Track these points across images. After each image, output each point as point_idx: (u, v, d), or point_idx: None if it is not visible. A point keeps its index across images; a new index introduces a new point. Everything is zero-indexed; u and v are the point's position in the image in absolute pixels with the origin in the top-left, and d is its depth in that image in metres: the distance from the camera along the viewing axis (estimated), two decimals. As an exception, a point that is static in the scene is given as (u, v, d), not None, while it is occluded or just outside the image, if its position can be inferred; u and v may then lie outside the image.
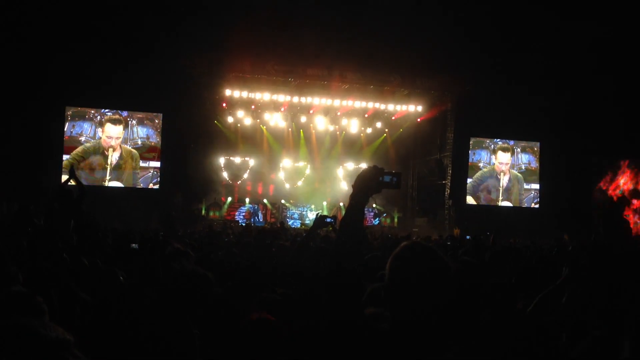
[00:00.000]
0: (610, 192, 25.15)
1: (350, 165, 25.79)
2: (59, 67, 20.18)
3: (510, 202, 26.52)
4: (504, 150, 26.68)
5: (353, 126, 25.19)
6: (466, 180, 26.04)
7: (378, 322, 2.03)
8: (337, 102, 23.60)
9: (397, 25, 21.54)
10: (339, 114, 24.65)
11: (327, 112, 24.43)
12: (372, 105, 24.10)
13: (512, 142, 26.84)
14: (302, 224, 24.12)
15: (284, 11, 20.68)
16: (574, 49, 21.87)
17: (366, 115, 25.13)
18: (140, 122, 23.62)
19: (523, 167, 26.87)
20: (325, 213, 23.18)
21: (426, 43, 21.33)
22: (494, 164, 26.47)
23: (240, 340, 2.78)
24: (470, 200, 26.10)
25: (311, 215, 24.16)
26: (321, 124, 24.91)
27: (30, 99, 20.12)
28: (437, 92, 24.15)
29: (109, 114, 23.26)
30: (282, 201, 25.01)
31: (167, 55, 20.35)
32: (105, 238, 7.31)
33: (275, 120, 24.50)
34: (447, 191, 25.04)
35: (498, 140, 26.64)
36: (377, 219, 25.67)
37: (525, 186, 26.76)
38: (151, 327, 2.76)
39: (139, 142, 23.50)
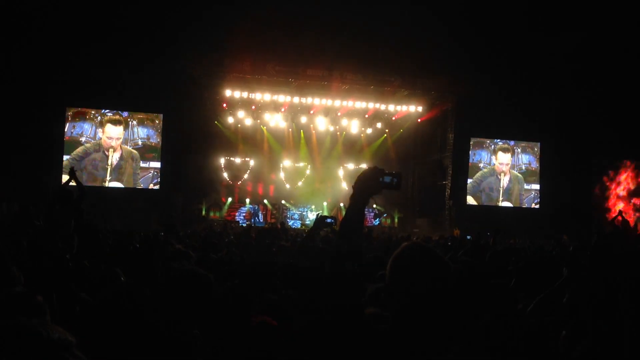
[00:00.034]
0: (610, 199, 25.14)
1: (350, 166, 25.79)
2: (60, 68, 20.20)
3: (511, 202, 26.52)
4: (504, 150, 26.68)
5: (353, 127, 25.20)
6: (466, 180, 26.04)
7: (378, 322, 2.03)
8: (337, 103, 23.61)
9: (397, 26, 21.55)
10: (339, 114, 24.66)
11: (328, 112, 24.43)
12: (372, 105, 24.11)
13: (512, 143, 26.84)
14: (302, 225, 24.13)
15: (284, 12, 20.69)
16: (574, 49, 21.87)
17: (366, 116, 25.14)
18: (141, 123, 23.62)
19: (523, 168, 26.86)
20: (325, 213, 23.24)
21: (426, 43, 21.35)
22: (494, 164, 26.47)
23: (241, 343, 2.79)
24: (470, 200, 26.09)
25: (311, 216, 24.16)
26: (321, 125, 24.91)
27: (31, 99, 20.14)
28: (438, 92, 24.14)
29: (109, 114, 23.26)
30: (283, 202, 25.01)
31: (168, 56, 20.35)
32: (106, 239, 7.32)
33: (276, 120, 24.50)
34: (448, 191, 25.04)
35: (498, 140, 26.64)
36: (377, 219, 25.69)
37: (526, 186, 26.75)
38: (151, 327, 2.77)
39: (140, 143, 23.51)
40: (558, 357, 2.80)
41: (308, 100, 23.28)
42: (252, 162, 25.02)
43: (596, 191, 25.35)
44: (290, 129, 25.33)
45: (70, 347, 1.45)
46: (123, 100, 22.88)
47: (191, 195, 23.25)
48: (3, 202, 15.60)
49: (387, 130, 26.08)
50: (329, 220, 4.74)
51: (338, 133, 25.84)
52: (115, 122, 23.24)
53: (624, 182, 25.68)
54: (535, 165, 26.88)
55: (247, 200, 24.92)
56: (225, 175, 24.74)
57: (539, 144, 26.90)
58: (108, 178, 23.01)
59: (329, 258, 2.20)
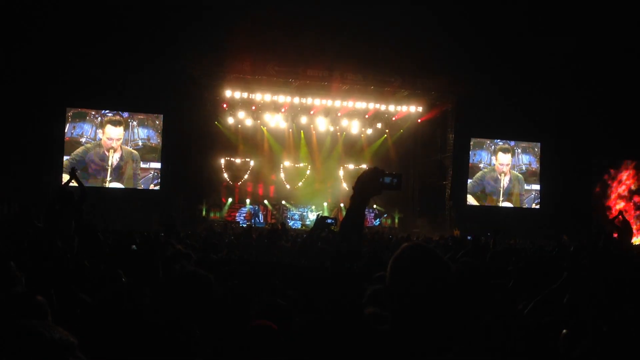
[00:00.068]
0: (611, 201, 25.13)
1: (350, 166, 25.80)
2: (60, 68, 20.21)
3: (511, 202, 26.52)
4: (505, 151, 26.68)
5: (354, 127, 25.19)
6: (467, 181, 26.05)
7: (378, 322, 2.03)
8: (337, 103, 23.62)
9: (397, 26, 21.55)
10: (339, 114, 24.66)
11: (328, 113, 24.44)
12: (372, 106, 24.12)
13: (512, 143, 26.84)
14: (302, 225, 24.13)
15: (284, 12, 20.69)
16: (574, 49, 21.87)
17: (367, 116, 25.14)
18: (141, 123, 23.63)
19: (524, 168, 26.87)
20: (325, 214, 23.26)
21: (426, 44, 21.35)
22: (494, 164, 26.47)
23: (241, 347, 2.79)
24: (470, 200, 26.10)
25: (312, 216, 24.16)
26: (322, 125, 24.91)
27: (31, 100, 20.15)
28: (438, 92, 24.13)
29: (109, 115, 23.27)
30: (283, 202, 25.01)
31: (168, 57, 20.35)
32: (106, 239, 7.32)
33: (276, 121, 24.50)
34: (448, 192, 25.03)
35: (498, 141, 26.65)
36: (377, 219, 25.70)
37: (526, 187, 26.76)
38: (151, 328, 2.77)
39: (140, 143, 23.52)
40: (558, 357, 2.80)
41: (308, 100, 23.28)
42: (252, 163, 25.02)
43: (597, 190, 25.33)
44: (290, 130, 25.33)
45: (72, 348, 1.45)
46: (123, 101, 22.89)
47: (191, 196, 23.24)
48: (4, 203, 15.59)
49: (387, 131, 26.08)
50: (329, 220, 4.76)
51: (338, 133, 25.84)
52: (115, 123, 23.25)
53: (625, 181, 25.66)
54: (535, 165, 26.88)
55: (248, 201, 24.92)
56: (225, 175, 24.74)
57: (539, 144, 26.90)
58: (108, 179, 23.02)
59: (329, 258, 2.20)
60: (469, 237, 15.27)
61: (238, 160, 24.99)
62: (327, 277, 2.21)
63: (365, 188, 2.23)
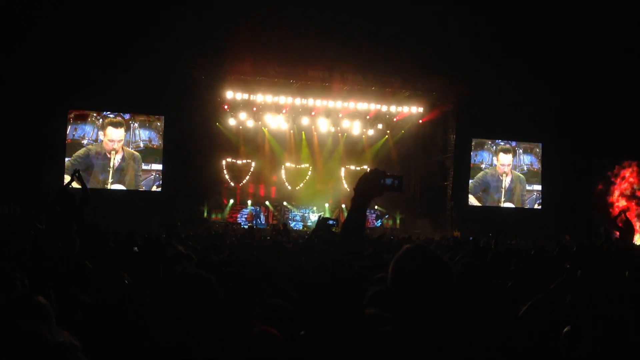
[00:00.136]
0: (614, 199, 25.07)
1: (352, 167, 25.80)
2: (62, 70, 20.25)
3: (513, 203, 26.52)
4: (506, 151, 26.68)
5: (355, 128, 25.18)
6: (468, 181, 26.05)
7: (379, 324, 2.04)
8: (338, 104, 23.63)
9: (398, 26, 21.56)
10: (340, 116, 24.66)
11: (329, 114, 24.44)
12: (373, 107, 24.12)
13: (514, 143, 26.84)
14: (304, 226, 24.13)
15: (284, 13, 20.70)
16: (575, 49, 21.86)
17: (368, 117, 25.13)
18: (143, 125, 23.66)
19: (525, 168, 26.86)
20: (327, 215, 23.27)
21: (427, 44, 21.34)
22: (495, 165, 26.47)
23: (241, 347, 2.79)
24: (472, 201, 26.09)
25: (313, 217, 24.17)
26: (323, 126, 24.91)
27: (33, 102, 20.19)
28: (439, 93, 24.15)
29: (110, 116, 23.30)
30: (284, 203, 25.02)
31: (169, 58, 20.40)
32: (107, 241, 7.33)
33: (277, 122, 24.50)
34: (449, 192, 25.03)
35: (500, 141, 26.65)
36: (379, 220, 25.70)
37: (528, 187, 26.75)
38: (153, 329, 2.77)
39: (141, 145, 23.55)
40: (558, 357, 2.80)
41: (309, 101, 23.28)
42: (253, 164, 25.02)
43: (600, 187, 25.27)
44: (291, 131, 25.33)
45: (75, 350, 1.46)
46: (125, 103, 22.93)
47: (193, 197, 23.25)
48: (5, 204, 15.62)
49: (388, 132, 26.08)
50: (331, 222, 4.76)
51: (339, 134, 25.84)
52: (116, 124, 23.28)
53: (628, 178, 25.57)
54: (537, 166, 26.88)
55: (249, 202, 24.94)
56: (226, 177, 24.75)
57: (540, 144, 26.90)
58: (110, 180, 23.05)
59: (330, 259, 2.21)
60: (470, 238, 15.27)
61: (239, 162, 25.00)
62: (328, 278, 2.22)
63: (366, 189, 2.23)
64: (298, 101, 23.24)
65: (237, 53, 20.98)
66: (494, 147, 26.63)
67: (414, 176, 26.67)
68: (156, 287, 3.84)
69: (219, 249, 7.64)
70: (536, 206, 26.71)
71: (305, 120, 24.52)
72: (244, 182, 25.01)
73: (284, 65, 21.94)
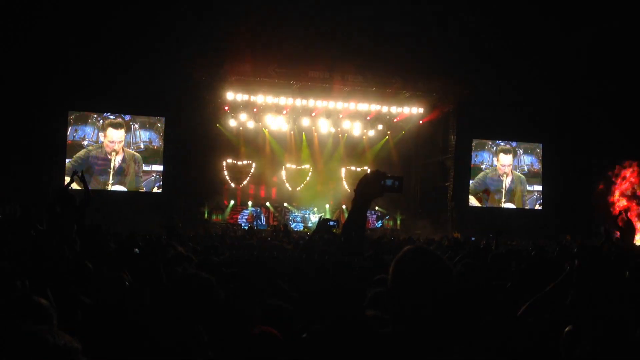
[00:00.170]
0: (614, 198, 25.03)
1: (352, 168, 25.79)
2: (62, 71, 20.27)
3: (513, 203, 26.51)
4: (506, 151, 26.67)
5: (355, 129, 25.17)
6: (469, 182, 26.04)
7: (379, 324, 2.04)
8: (339, 105, 23.65)
9: (398, 27, 21.57)
10: (341, 116, 24.66)
11: (329, 114, 24.44)
12: (374, 107, 24.12)
13: (514, 144, 26.84)
14: (305, 227, 24.13)
15: (284, 14, 20.72)
16: (575, 49, 21.87)
17: (368, 118, 25.13)
18: (143, 126, 23.68)
19: (526, 169, 26.85)
20: (327, 216, 23.26)
21: (427, 44, 21.36)
22: (496, 165, 26.47)
23: (242, 348, 2.80)
24: (473, 202, 26.09)
25: (314, 218, 24.17)
26: (323, 127, 24.91)
27: (33, 103, 20.21)
28: (439, 94, 24.15)
29: (111, 117, 23.31)
30: (285, 204, 25.02)
31: (169, 59, 20.40)
32: (108, 241, 7.34)
33: (278, 123, 24.50)
34: (450, 193, 25.02)
35: (500, 141, 26.64)
36: (380, 221, 25.69)
37: (528, 188, 26.74)
38: (153, 330, 2.78)
39: (142, 146, 23.56)
40: (558, 357, 2.80)
41: (310, 102, 23.29)
42: (254, 165, 25.01)
43: (601, 187, 25.23)
44: (292, 132, 25.34)
45: (76, 353, 1.46)
46: (125, 104, 22.94)
47: (193, 199, 23.25)
48: (5, 205, 15.63)
49: (388, 132, 26.08)
50: (331, 223, 4.76)
51: (340, 135, 25.83)
52: (116, 126, 23.29)
53: (629, 178, 25.52)
54: (537, 166, 26.87)
55: (250, 203, 24.94)
56: (227, 178, 24.75)
57: (541, 145, 26.89)
58: (111, 181, 23.06)
59: (331, 260, 2.21)
60: (472, 239, 15.28)
61: (240, 163, 24.99)
62: (328, 279, 2.22)
63: (366, 191, 2.23)
64: (298, 102, 23.24)
65: (237, 54, 21.00)
66: (495, 147, 26.63)
67: (415, 177, 26.67)
68: (157, 288, 3.85)
69: (219, 249, 7.64)
70: (537, 207, 26.70)
71: (305, 121, 24.53)
72: (244, 183, 25.00)
73: (284, 66, 21.95)
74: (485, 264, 5.16)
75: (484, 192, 26.35)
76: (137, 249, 6.15)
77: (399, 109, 24.40)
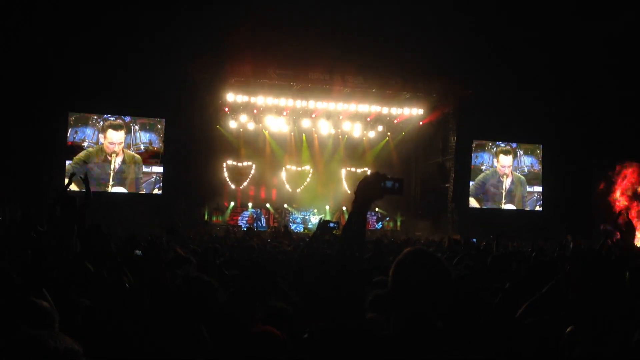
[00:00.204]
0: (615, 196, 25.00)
1: (352, 169, 25.80)
2: (62, 73, 20.27)
3: (514, 204, 26.50)
4: (506, 152, 26.66)
5: (356, 130, 25.17)
6: (469, 183, 26.03)
7: (379, 327, 2.04)
8: (339, 106, 23.66)
9: (398, 28, 21.58)
10: (341, 117, 24.66)
11: (330, 116, 24.45)
12: (374, 109, 24.12)
13: (514, 145, 26.83)
14: (305, 229, 24.12)
15: (284, 15, 20.73)
16: (576, 50, 21.87)
17: (368, 119, 25.12)
18: (143, 128, 23.67)
19: (526, 170, 26.84)
20: (328, 217, 23.25)
21: (428, 45, 21.36)
22: (496, 166, 26.46)
23: (243, 350, 2.80)
24: (473, 203, 26.08)
25: (314, 220, 24.15)
26: (324, 128, 24.92)
27: (34, 105, 20.21)
28: (439, 95, 24.14)
29: (111, 119, 23.31)
30: (285, 205, 25.00)
31: (169, 61, 20.41)
32: (108, 242, 7.33)
33: (278, 124, 24.51)
34: (450, 194, 25.01)
35: (500, 142, 26.64)
36: (380, 223, 25.69)
37: (528, 189, 26.73)
38: (153, 332, 2.78)
39: (142, 148, 23.55)
40: (558, 357, 2.81)
41: (310, 103, 23.30)
42: (254, 166, 25.02)
43: (601, 188, 25.21)
44: (292, 133, 25.34)
45: (77, 356, 1.46)
46: (125, 105, 22.94)
47: (194, 200, 23.23)
48: (6, 207, 15.64)
49: (389, 134, 26.09)
50: (331, 224, 4.76)
51: (340, 136, 25.83)
52: (116, 127, 23.28)
53: (629, 178, 25.48)
54: (537, 167, 26.86)
55: (250, 205, 24.92)
56: (227, 179, 24.75)
57: (541, 146, 26.89)
58: (111, 183, 23.05)
59: (331, 262, 2.21)
60: (473, 240, 15.26)
61: (240, 164, 24.99)
62: (328, 281, 2.22)
63: (366, 192, 2.24)
64: (299, 103, 23.24)
65: (237, 55, 21.00)
66: (494, 148, 26.62)
67: (415, 178, 26.68)
68: (157, 290, 3.85)
69: (220, 251, 7.64)
70: (537, 208, 26.69)
71: (306, 123, 24.54)
72: (244, 184, 25.00)
73: (284, 68, 21.96)
74: (485, 265, 5.17)
75: (484, 194, 26.33)
76: (138, 251, 6.15)
77: (399, 110, 24.40)
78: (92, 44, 20.07)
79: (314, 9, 20.67)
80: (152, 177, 23.59)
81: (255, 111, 23.80)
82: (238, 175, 24.92)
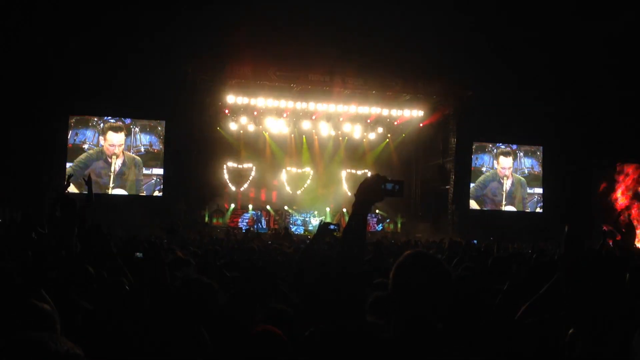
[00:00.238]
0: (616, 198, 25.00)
1: (353, 171, 25.80)
2: (63, 75, 20.29)
3: (514, 206, 26.48)
4: (506, 154, 26.66)
5: (356, 132, 25.18)
6: (469, 185, 26.02)
7: (380, 329, 2.04)
8: (339, 108, 23.67)
9: (398, 29, 21.59)
10: (341, 119, 24.67)
11: (330, 117, 24.46)
12: (374, 110, 24.12)
13: (514, 147, 26.83)
14: (305, 230, 24.11)
15: (284, 16, 20.74)
16: (576, 50, 21.88)
17: (368, 121, 25.13)
18: (143, 130, 23.69)
19: (526, 172, 26.84)
20: (328, 219, 23.27)
21: (428, 47, 21.37)
22: (496, 168, 26.45)
23: (244, 350, 2.80)
24: (473, 205, 26.06)
25: (314, 222, 24.16)
26: (324, 130, 24.93)
27: (34, 106, 20.23)
28: (439, 96, 24.14)
29: (111, 121, 23.33)
30: (285, 207, 25.01)
31: (170, 63, 20.43)
32: (109, 242, 7.33)
33: (278, 126, 24.52)
34: (450, 196, 25.00)
35: (500, 144, 26.64)
36: (380, 224, 25.68)
37: (529, 190, 26.71)
38: (153, 333, 2.78)
39: (142, 149, 23.56)
40: (558, 358, 2.80)
41: (310, 105, 23.32)
42: (254, 168, 25.02)
43: (602, 188, 25.20)
44: (292, 135, 25.36)
45: (78, 359, 1.46)
46: (125, 107, 22.96)
47: (194, 202, 23.23)
48: (6, 208, 15.65)
49: (389, 135, 26.10)
50: (332, 226, 4.75)
51: (340, 138, 25.85)
52: (116, 129, 23.30)
53: (630, 178, 25.47)
54: (538, 169, 26.85)
55: (250, 207, 24.91)
56: (227, 181, 24.75)
57: (541, 147, 26.88)
58: (111, 185, 23.06)
59: (331, 264, 2.21)
60: (474, 242, 15.26)
61: (240, 166, 25.00)
62: (329, 284, 2.22)
63: (367, 195, 2.24)
64: (299, 105, 23.27)
65: (237, 57, 21.01)
66: (495, 150, 26.62)
67: (415, 180, 26.69)
68: (158, 292, 3.85)
69: (220, 253, 7.64)
70: (537, 209, 26.68)
71: (306, 124, 24.55)
72: (245, 186, 25.01)
73: (284, 69, 21.97)
74: (486, 267, 5.16)
75: (484, 195, 26.32)
76: (139, 253, 6.15)
77: (399, 112, 24.41)
78: (92, 44, 20.09)
79: (314, 9, 20.69)
80: (153, 179, 23.60)
81: (255, 113, 23.80)
82: (238, 177, 24.93)
